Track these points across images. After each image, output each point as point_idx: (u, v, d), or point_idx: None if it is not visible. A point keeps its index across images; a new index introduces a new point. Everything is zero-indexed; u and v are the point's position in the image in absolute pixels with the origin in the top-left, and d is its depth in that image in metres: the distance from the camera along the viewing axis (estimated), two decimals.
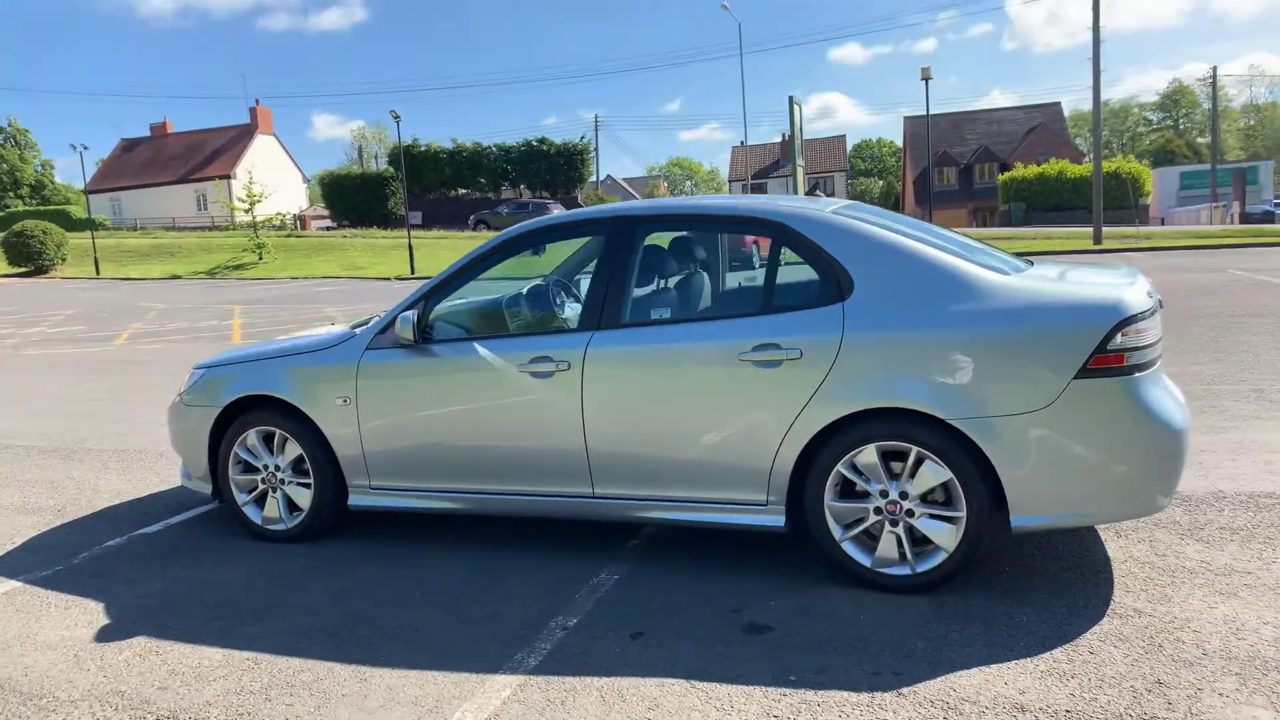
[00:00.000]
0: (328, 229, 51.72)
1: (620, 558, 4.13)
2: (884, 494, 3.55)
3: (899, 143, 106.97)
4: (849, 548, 3.63)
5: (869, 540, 3.63)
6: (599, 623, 3.48)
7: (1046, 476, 3.36)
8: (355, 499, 4.43)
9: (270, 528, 4.59)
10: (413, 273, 32.59)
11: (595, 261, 4.06)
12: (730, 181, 63.20)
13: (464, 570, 4.09)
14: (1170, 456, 3.35)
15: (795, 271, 3.91)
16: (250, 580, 4.11)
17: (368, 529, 4.69)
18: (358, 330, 4.49)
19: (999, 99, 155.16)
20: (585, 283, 5.09)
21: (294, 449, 4.47)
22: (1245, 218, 44.03)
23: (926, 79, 28.47)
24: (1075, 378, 3.31)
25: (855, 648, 3.17)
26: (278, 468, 4.53)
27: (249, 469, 4.63)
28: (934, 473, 3.47)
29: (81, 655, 3.44)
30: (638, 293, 4.10)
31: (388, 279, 31.13)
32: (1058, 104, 61.15)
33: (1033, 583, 3.62)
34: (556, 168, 49.18)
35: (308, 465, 4.47)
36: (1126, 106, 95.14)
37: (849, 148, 76.24)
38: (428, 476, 4.26)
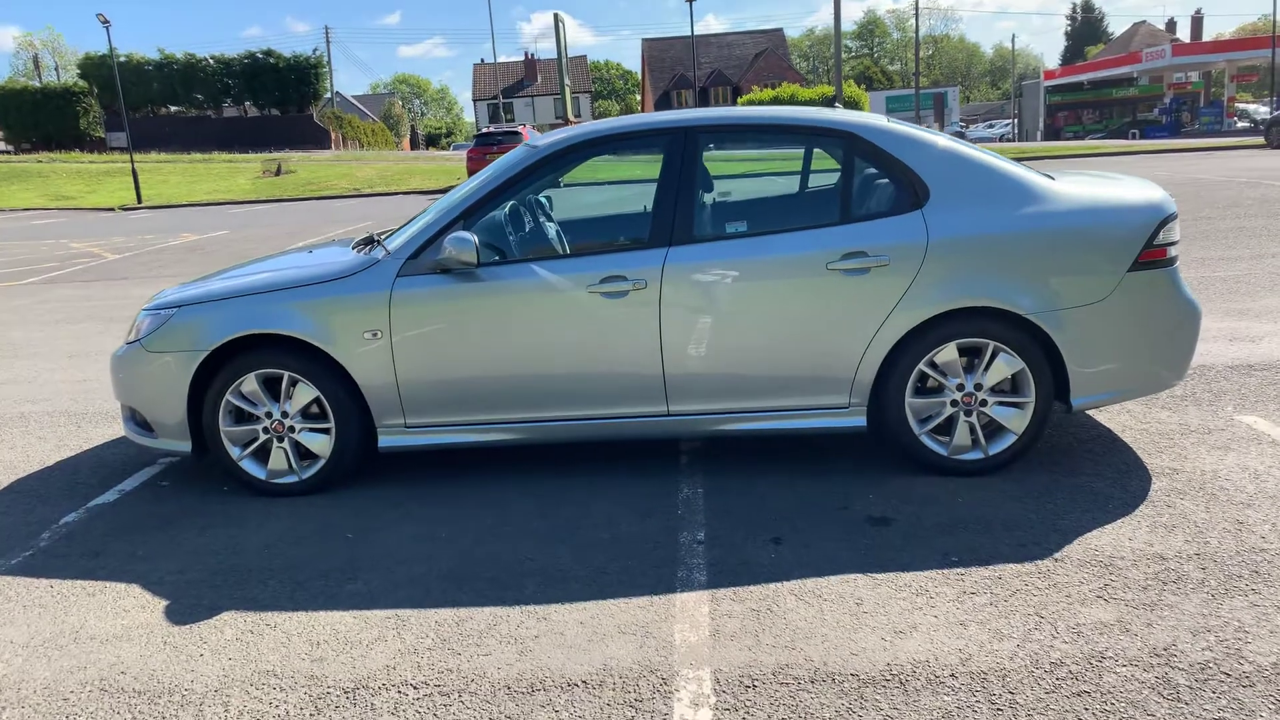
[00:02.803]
0: (3, 153, 44.31)
1: (685, 472, 4.14)
2: (960, 387, 3.84)
3: (626, 65, 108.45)
4: (926, 440, 3.90)
5: (943, 431, 3.91)
6: (729, 534, 3.51)
7: (1102, 360, 3.79)
8: (388, 440, 4.05)
9: (278, 481, 4.10)
10: (140, 201, 28.92)
11: (659, 173, 3.92)
12: (475, 100, 61.27)
13: (536, 501, 3.91)
14: (1193, 338, 3.90)
15: (852, 178, 4.02)
16: (296, 539, 3.68)
17: (371, 476, 4.32)
18: (369, 253, 4.06)
19: (714, 24, 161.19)
20: (539, 200, 4.89)
21: (307, 392, 3.99)
22: None
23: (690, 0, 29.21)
24: (1129, 270, 3.73)
25: (982, 527, 3.45)
26: (285, 414, 4.03)
27: (243, 418, 4.08)
28: (1007, 364, 3.79)
29: (174, 642, 2.96)
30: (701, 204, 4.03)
31: (112, 209, 27.47)
32: (780, 30, 64.96)
33: (1073, 456, 4.09)
34: (287, 83, 45.15)
35: (320, 409, 4.02)
36: (830, 34, 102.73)
37: None
38: (479, 409, 3.99)
